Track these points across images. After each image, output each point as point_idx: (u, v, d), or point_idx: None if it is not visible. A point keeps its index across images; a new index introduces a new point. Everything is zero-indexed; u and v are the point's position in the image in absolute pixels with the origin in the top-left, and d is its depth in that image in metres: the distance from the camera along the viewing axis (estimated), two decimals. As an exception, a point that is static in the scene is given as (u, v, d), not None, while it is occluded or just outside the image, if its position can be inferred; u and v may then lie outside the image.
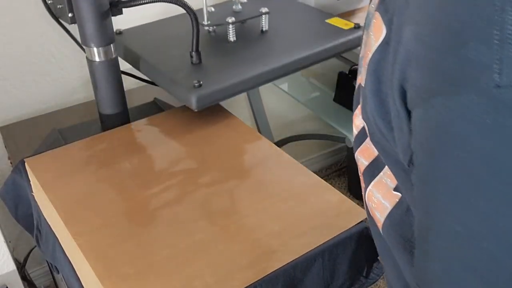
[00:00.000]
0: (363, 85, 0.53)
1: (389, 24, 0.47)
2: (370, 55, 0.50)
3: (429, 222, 0.43)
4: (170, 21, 1.19)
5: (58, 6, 0.96)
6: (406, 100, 0.44)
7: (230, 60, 1.02)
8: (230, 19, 1.06)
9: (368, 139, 0.64)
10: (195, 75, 0.96)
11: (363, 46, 0.68)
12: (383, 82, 0.48)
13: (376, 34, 0.50)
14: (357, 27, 1.12)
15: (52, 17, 1.00)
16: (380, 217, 0.62)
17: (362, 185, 0.67)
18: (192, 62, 1.00)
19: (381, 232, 0.64)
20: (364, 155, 0.65)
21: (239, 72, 0.97)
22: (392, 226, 0.61)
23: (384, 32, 0.48)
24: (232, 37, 1.08)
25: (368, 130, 0.57)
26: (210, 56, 1.02)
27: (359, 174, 0.69)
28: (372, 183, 0.63)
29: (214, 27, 1.10)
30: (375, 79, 0.49)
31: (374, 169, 0.63)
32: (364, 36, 0.67)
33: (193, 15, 0.94)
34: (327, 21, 1.15)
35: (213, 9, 1.14)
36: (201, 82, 0.92)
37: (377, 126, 0.51)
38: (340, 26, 1.12)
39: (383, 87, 0.48)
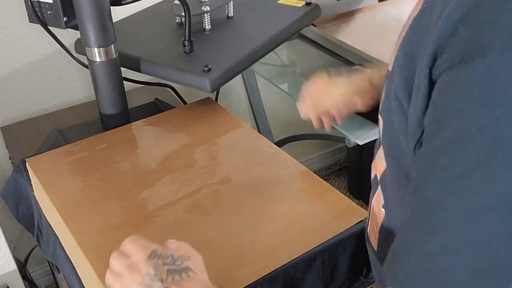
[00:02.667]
0: (390, 70, 0.53)
1: None
2: (403, 35, 0.50)
3: (438, 194, 0.40)
4: (129, 20, 1.21)
5: (48, 13, 0.95)
6: (432, 70, 0.43)
7: (220, 45, 1.08)
8: (205, 8, 1.09)
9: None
10: (198, 61, 1.00)
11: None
12: (409, 58, 0.47)
13: (413, 13, 0.50)
14: (308, 3, 1.25)
15: (42, 25, 0.97)
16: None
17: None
18: (186, 51, 1.03)
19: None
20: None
21: (235, 53, 1.04)
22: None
23: (421, 6, 0.48)
24: (207, 25, 1.13)
25: (383, 126, 0.56)
26: (195, 44, 1.05)
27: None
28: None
29: (182, 18, 1.11)
30: (404, 54, 0.48)
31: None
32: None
33: (186, 6, 0.98)
34: (279, 2, 1.28)
35: (177, 2, 1.13)
36: (210, 66, 0.97)
37: (397, 109, 0.50)
38: (293, 5, 1.25)
39: (410, 63, 0.47)
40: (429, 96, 0.43)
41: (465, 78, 0.39)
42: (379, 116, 0.58)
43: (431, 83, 0.43)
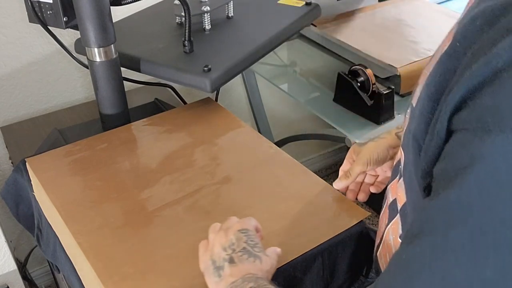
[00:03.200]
0: (414, 105, 0.50)
1: (463, 32, 0.41)
2: (430, 69, 0.46)
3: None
4: (129, 20, 1.20)
5: (48, 13, 0.95)
6: (451, 121, 0.39)
7: (220, 45, 1.08)
8: (205, 8, 1.09)
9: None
10: (198, 61, 1.00)
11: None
12: (433, 100, 0.43)
13: (442, 47, 0.46)
14: (308, 3, 1.25)
15: (42, 25, 0.97)
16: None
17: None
18: (186, 51, 1.03)
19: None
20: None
21: (235, 53, 1.04)
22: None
23: (452, 41, 0.43)
24: (207, 25, 1.13)
25: (404, 161, 0.54)
26: (195, 44, 1.05)
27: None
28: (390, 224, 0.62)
29: (182, 18, 1.11)
30: (427, 95, 0.44)
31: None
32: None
33: (186, 6, 0.98)
34: (279, 2, 1.28)
35: (177, 2, 1.13)
36: (210, 66, 0.97)
37: (415, 151, 0.47)
38: (293, 5, 1.26)
39: (433, 107, 0.43)
40: (443, 146, 0.41)
41: (478, 147, 0.36)
42: (401, 148, 0.56)
43: (448, 134, 0.40)
